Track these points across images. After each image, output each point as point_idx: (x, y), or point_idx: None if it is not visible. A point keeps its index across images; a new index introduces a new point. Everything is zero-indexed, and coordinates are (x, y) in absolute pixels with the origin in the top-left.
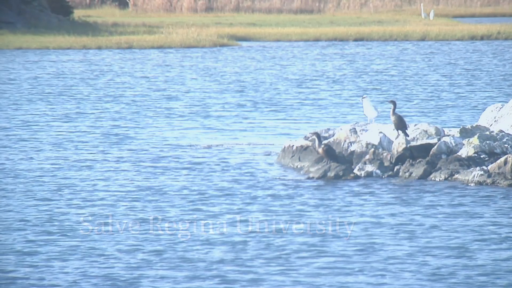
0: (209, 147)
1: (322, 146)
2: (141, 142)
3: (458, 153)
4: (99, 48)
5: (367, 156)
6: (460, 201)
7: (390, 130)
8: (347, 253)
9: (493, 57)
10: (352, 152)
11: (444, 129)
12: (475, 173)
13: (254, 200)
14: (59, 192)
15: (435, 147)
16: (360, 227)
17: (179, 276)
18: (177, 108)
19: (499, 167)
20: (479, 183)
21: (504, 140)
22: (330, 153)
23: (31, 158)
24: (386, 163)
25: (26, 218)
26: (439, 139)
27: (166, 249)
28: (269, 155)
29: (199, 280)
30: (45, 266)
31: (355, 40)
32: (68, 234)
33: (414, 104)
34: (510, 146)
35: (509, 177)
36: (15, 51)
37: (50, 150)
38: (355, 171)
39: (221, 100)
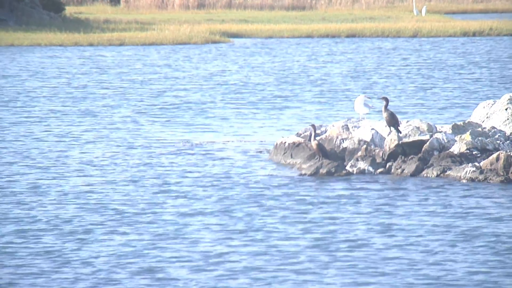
0: (200, 144)
1: (316, 141)
2: (133, 140)
3: (450, 150)
4: (91, 44)
5: (359, 153)
6: (452, 197)
7: (382, 126)
8: (338, 250)
9: (485, 53)
10: (344, 149)
11: (436, 125)
12: (467, 170)
13: (245, 197)
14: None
15: (427, 143)
16: (352, 224)
17: (172, 272)
18: (168, 105)
19: (491, 164)
20: (471, 180)
21: (496, 136)
22: (323, 149)
23: (29, 156)
24: (378, 160)
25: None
26: (431, 136)
27: (157, 244)
28: (261, 152)
29: (194, 275)
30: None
31: (347, 36)
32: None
33: (406, 101)
34: (502, 143)
35: (501, 174)
36: (6, 48)
37: (49, 145)
38: (347, 167)
39: (212, 97)
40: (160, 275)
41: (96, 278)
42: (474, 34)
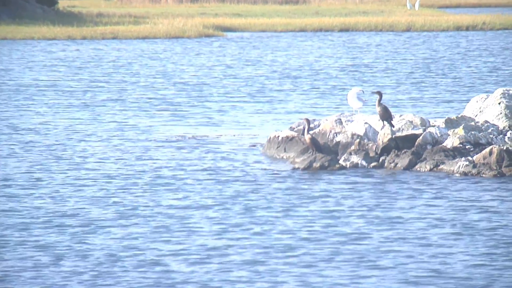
0: (195, 138)
1: (309, 135)
2: (128, 133)
3: (443, 144)
4: (84, 38)
5: (353, 147)
6: (445, 191)
7: (375, 120)
8: (336, 243)
9: (479, 48)
10: (338, 143)
11: (429, 119)
12: (460, 164)
13: (240, 191)
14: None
15: (421, 137)
16: (347, 218)
17: (171, 265)
18: (162, 100)
19: (484, 158)
20: (464, 174)
21: (489, 130)
22: (316, 143)
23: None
24: (372, 154)
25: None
26: (424, 130)
27: (155, 237)
28: (254, 146)
29: (193, 268)
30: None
31: (341, 30)
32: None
33: (400, 95)
34: (495, 137)
35: (494, 168)
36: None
37: (49, 142)
38: (341, 161)
39: (206, 92)
40: (158, 268)
41: (95, 271)
42: (467, 28)
